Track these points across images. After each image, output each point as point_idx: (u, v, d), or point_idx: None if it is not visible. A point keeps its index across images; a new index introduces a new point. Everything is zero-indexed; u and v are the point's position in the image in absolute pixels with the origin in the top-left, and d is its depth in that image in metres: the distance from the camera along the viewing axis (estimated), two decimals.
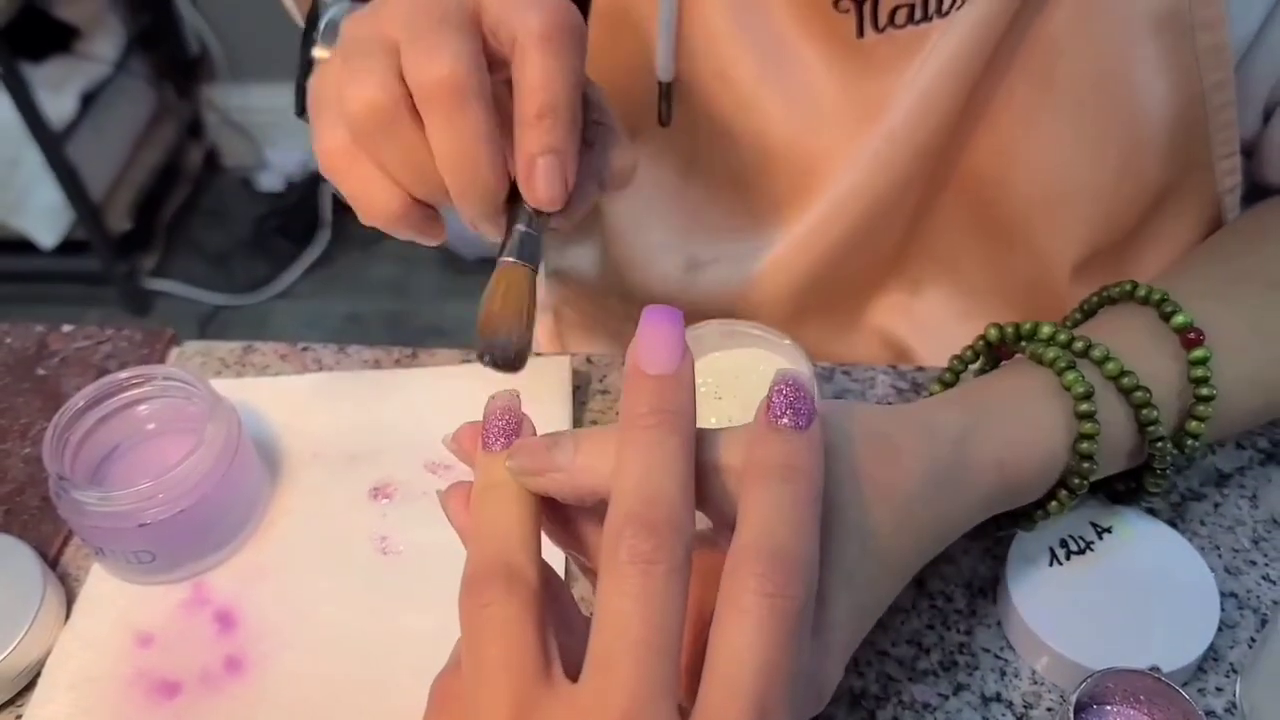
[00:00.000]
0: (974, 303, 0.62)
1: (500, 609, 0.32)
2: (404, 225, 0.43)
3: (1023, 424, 0.43)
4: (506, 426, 0.36)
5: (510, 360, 0.42)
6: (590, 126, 0.43)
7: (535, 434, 0.37)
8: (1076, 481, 0.44)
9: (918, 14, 0.52)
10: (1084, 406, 0.43)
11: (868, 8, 0.52)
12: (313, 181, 2.13)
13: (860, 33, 0.53)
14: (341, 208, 2.12)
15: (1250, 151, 0.58)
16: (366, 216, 0.43)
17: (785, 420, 0.34)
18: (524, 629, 0.32)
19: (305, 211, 2.10)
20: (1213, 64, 0.51)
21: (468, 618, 0.33)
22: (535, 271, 0.42)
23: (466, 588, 0.33)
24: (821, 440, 0.34)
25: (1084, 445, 0.43)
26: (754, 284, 0.61)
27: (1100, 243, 0.58)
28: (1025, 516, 0.47)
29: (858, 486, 0.37)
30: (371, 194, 0.42)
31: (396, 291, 2.01)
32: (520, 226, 0.41)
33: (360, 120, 0.40)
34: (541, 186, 0.40)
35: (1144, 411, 0.44)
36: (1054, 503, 0.45)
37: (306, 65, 0.47)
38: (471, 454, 0.37)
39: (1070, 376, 0.43)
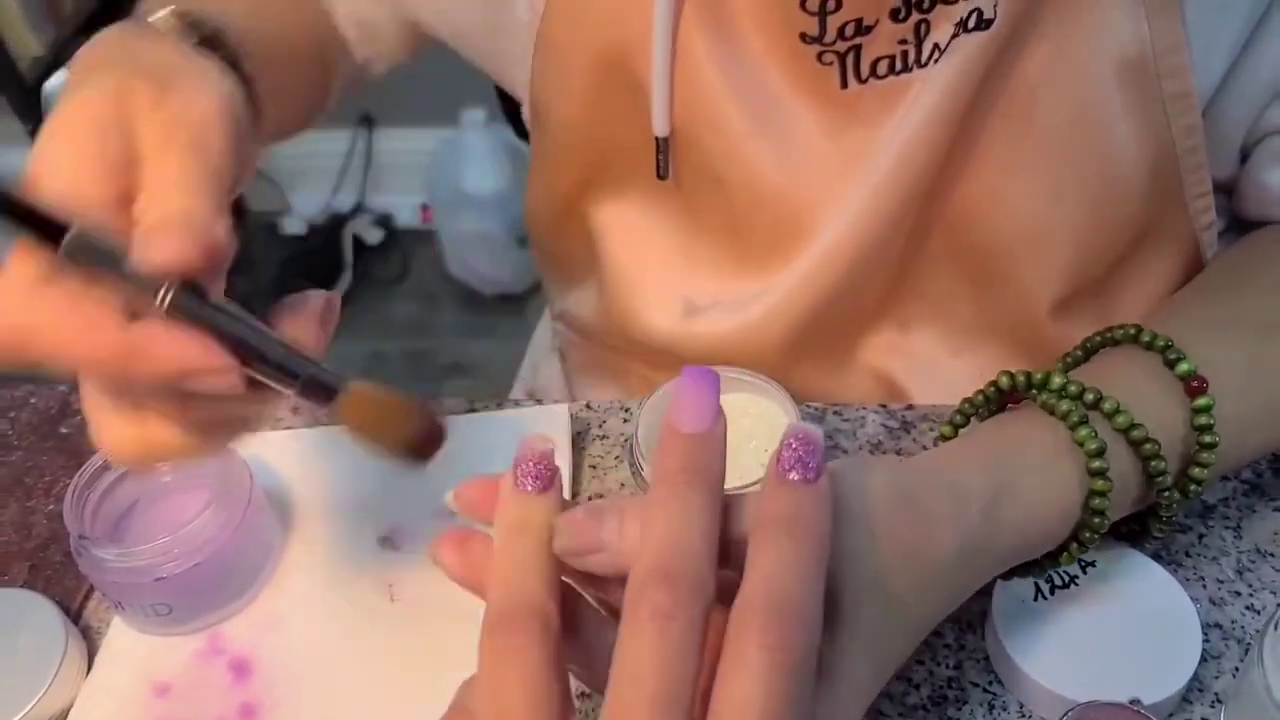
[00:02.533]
0: (963, 340, 0.64)
1: (527, 654, 0.33)
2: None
3: (1043, 485, 0.44)
4: (540, 469, 0.37)
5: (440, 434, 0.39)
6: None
7: (562, 486, 0.37)
8: (1087, 535, 0.45)
9: (898, 65, 0.54)
10: (1097, 464, 0.43)
11: (850, 60, 0.54)
12: (334, 224, 2.17)
13: (844, 84, 0.55)
14: (363, 250, 2.16)
15: (1231, 189, 0.60)
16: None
17: (794, 474, 0.34)
18: (549, 674, 0.33)
19: (328, 254, 2.14)
20: (1180, 109, 0.52)
21: (492, 659, 0.34)
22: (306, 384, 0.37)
23: (492, 629, 0.34)
24: (829, 494, 0.35)
25: (1097, 501, 0.44)
26: (750, 328, 0.62)
27: (1080, 281, 0.59)
28: (1035, 565, 0.47)
29: (882, 546, 0.38)
30: None
31: (418, 330, 2.04)
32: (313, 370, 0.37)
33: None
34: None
35: (1153, 463, 0.45)
36: (1065, 554, 0.46)
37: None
38: (480, 508, 0.38)
39: (1083, 433, 0.44)
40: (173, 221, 0.35)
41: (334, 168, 2.13)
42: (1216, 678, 0.48)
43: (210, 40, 0.46)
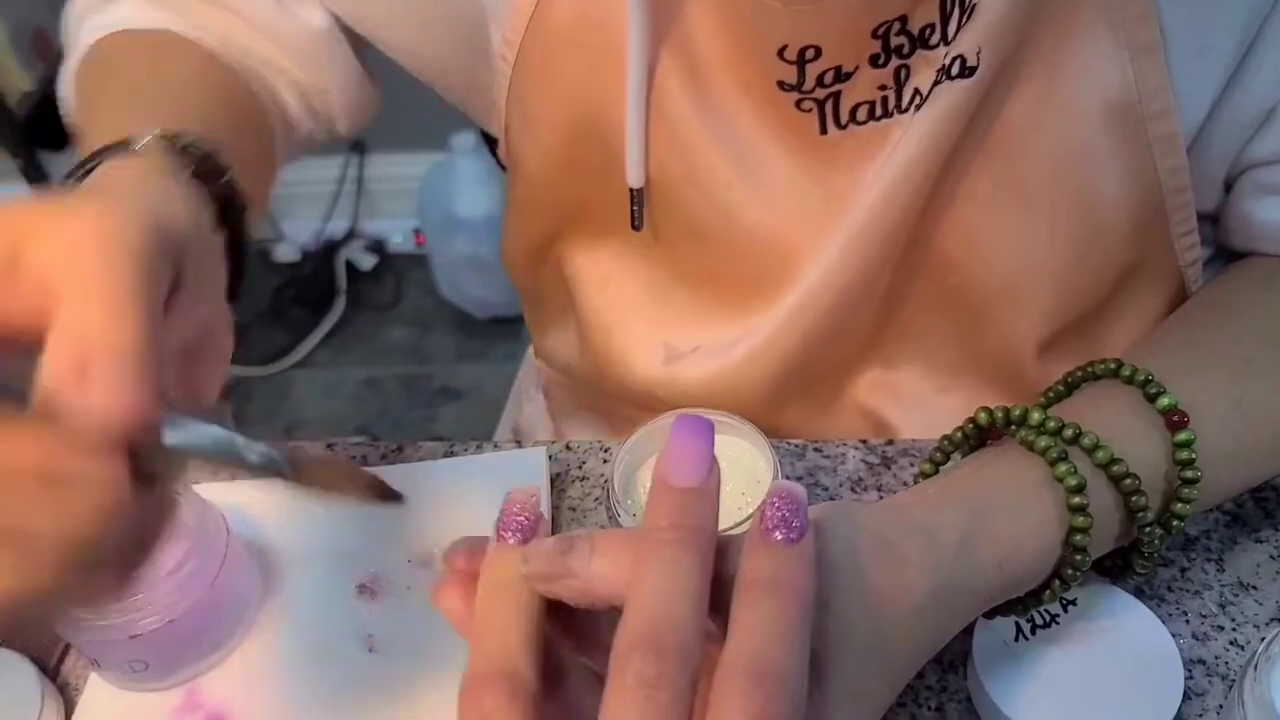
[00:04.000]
0: (950, 378, 0.63)
1: (501, 717, 0.33)
2: None
3: (1020, 521, 0.43)
4: (524, 523, 0.36)
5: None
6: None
7: (550, 534, 0.37)
8: (1069, 572, 0.44)
9: (878, 111, 0.53)
10: (1077, 500, 0.43)
11: (829, 106, 0.53)
12: (327, 250, 2.17)
13: (823, 130, 0.54)
14: (356, 275, 2.16)
15: (1216, 218, 0.59)
16: None
17: (777, 535, 0.34)
18: None
19: (321, 280, 2.14)
20: (1166, 150, 0.52)
21: None
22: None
23: (468, 690, 0.34)
24: (812, 554, 0.35)
25: (1077, 538, 0.43)
26: (733, 372, 0.62)
27: (1065, 320, 0.59)
28: (1019, 603, 0.46)
29: (864, 598, 0.38)
30: None
31: (412, 355, 2.04)
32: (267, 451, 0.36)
33: None
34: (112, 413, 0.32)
35: (1134, 499, 0.45)
36: (1047, 592, 0.46)
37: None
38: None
39: (1063, 469, 0.43)
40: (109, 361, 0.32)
41: (326, 194, 2.13)
42: (1200, 715, 0.48)
43: (205, 161, 0.45)
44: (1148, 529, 0.46)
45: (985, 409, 0.48)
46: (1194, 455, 0.45)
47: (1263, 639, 0.43)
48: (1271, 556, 0.53)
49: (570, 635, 0.37)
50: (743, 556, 0.34)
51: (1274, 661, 0.42)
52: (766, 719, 0.31)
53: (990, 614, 0.47)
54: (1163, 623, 0.49)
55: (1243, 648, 0.50)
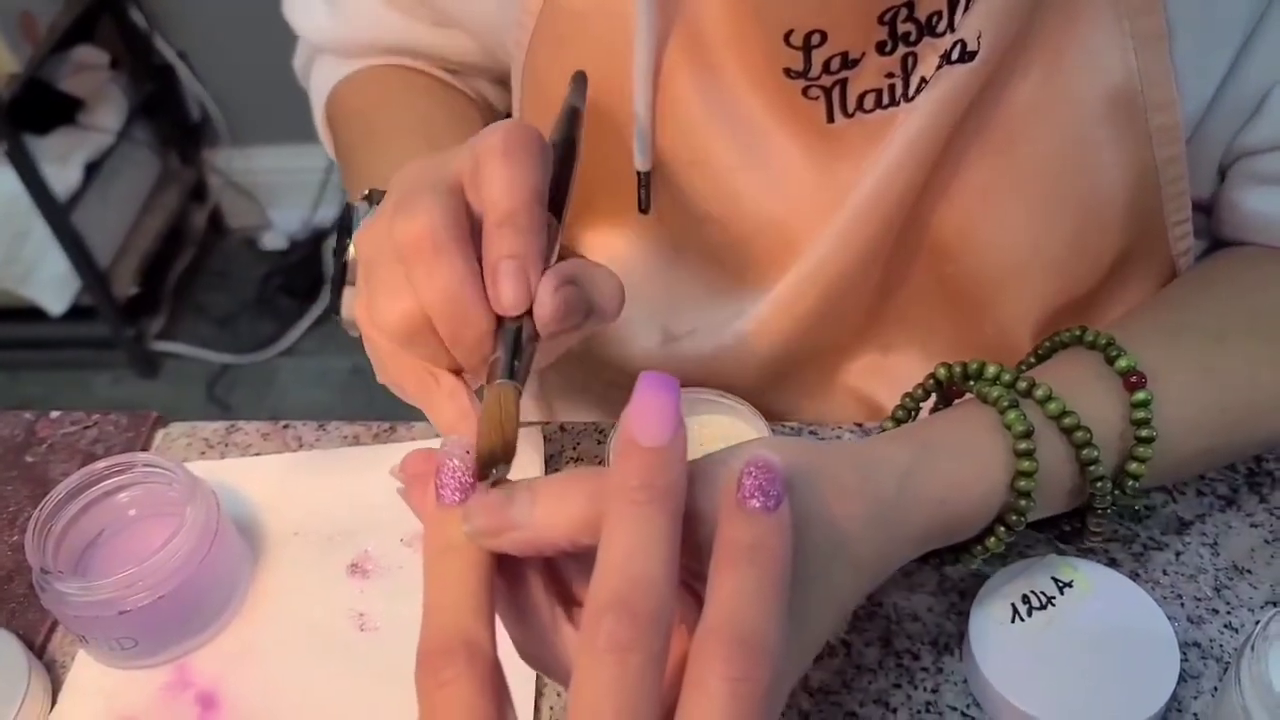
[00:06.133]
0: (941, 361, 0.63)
1: (459, 686, 0.32)
2: None
3: (963, 461, 0.44)
4: (461, 480, 0.36)
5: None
6: (568, 257, 0.43)
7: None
8: (1014, 518, 0.45)
9: (885, 99, 0.53)
10: (1023, 445, 0.44)
11: (836, 94, 0.53)
12: (314, 239, 2.16)
13: (830, 118, 0.54)
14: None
15: (1210, 209, 0.59)
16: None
17: (755, 502, 0.34)
18: (484, 705, 0.32)
19: (308, 268, 2.13)
20: (1165, 141, 0.52)
21: (426, 695, 0.33)
22: (519, 391, 0.40)
23: (423, 662, 0.33)
24: (790, 520, 0.34)
25: (1022, 483, 0.44)
26: (729, 354, 0.62)
27: (1059, 307, 0.59)
28: (965, 551, 0.47)
29: (805, 527, 0.37)
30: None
31: None
32: (502, 353, 0.40)
33: (395, 333, 0.41)
34: (504, 290, 0.39)
35: (1084, 451, 0.45)
36: (992, 539, 0.46)
37: (341, 268, 0.49)
38: (418, 497, 0.38)
39: (1011, 415, 0.44)
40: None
41: (314, 183, 2.12)
42: (1195, 698, 0.48)
43: None
44: (1099, 483, 0.46)
45: (945, 364, 0.50)
46: (1149, 415, 0.46)
47: (1257, 622, 0.43)
48: (1266, 540, 0.53)
49: (513, 593, 0.37)
50: (720, 521, 0.34)
51: (1272, 641, 0.42)
52: (748, 683, 0.31)
53: (943, 560, 0.47)
54: (1158, 605, 0.49)
55: (1237, 631, 0.50)
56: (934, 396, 0.52)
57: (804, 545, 0.36)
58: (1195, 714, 0.47)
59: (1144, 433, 0.46)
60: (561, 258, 0.42)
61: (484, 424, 0.38)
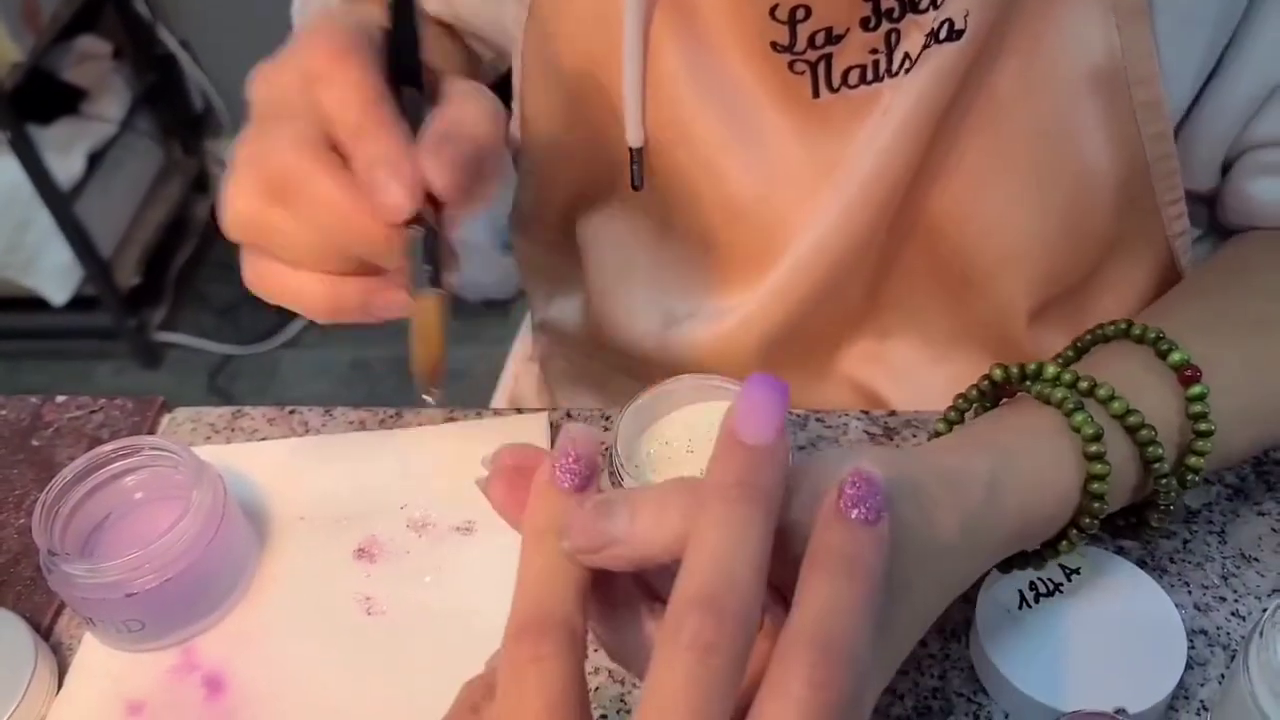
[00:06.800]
0: (942, 348, 0.63)
1: (554, 664, 0.31)
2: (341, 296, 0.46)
3: (1040, 467, 0.43)
4: (581, 467, 0.35)
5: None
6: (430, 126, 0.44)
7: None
8: (1087, 521, 0.44)
9: (869, 74, 0.53)
10: (1094, 448, 0.43)
11: (820, 69, 0.53)
12: None
13: (815, 93, 0.54)
14: None
15: (1211, 200, 0.60)
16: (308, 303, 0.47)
17: (856, 513, 0.33)
18: (570, 687, 0.32)
19: None
20: (1150, 117, 0.52)
21: (516, 667, 0.32)
22: (443, 298, 0.42)
23: (515, 637, 0.32)
24: (889, 538, 0.34)
25: (1095, 485, 0.43)
26: (727, 338, 0.62)
27: (1055, 288, 0.59)
28: (1036, 555, 0.47)
29: (900, 540, 0.36)
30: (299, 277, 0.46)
31: (401, 337, 2.03)
32: (412, 262, 0.42)
33: (277, 178, 0.42)
34: (382, 197, 0.41)
35: (1149, 449, 0.45)
36: (1064, 542, 0.46)
37: None
38: (515, 487, 0.36)
39: (1079, 418, 0.43)
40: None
41: None
42: (1202, 685, 0.48)
43: None
44: (1163, 480, 0.46)
45: (1000, 365, 0.48)
46: (1207, 409, 0.45)
47: (1264, 609, 0.43)
48: (1273, 529, 0.53)
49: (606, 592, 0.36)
50: (817, 528, 0.33)
51: None
52: (830, 690, 0.30)
53: (1006, 568, 0.47)
54: (1165, 593, 0.49)
55: (1244, 619, 0.50)
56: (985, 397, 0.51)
57: (898, 558, 0.35)
58: (1202, 701, 0.47)
59: (1202, 426, 0.46)
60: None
61: (417, 342, 0.39)
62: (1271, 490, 0.55)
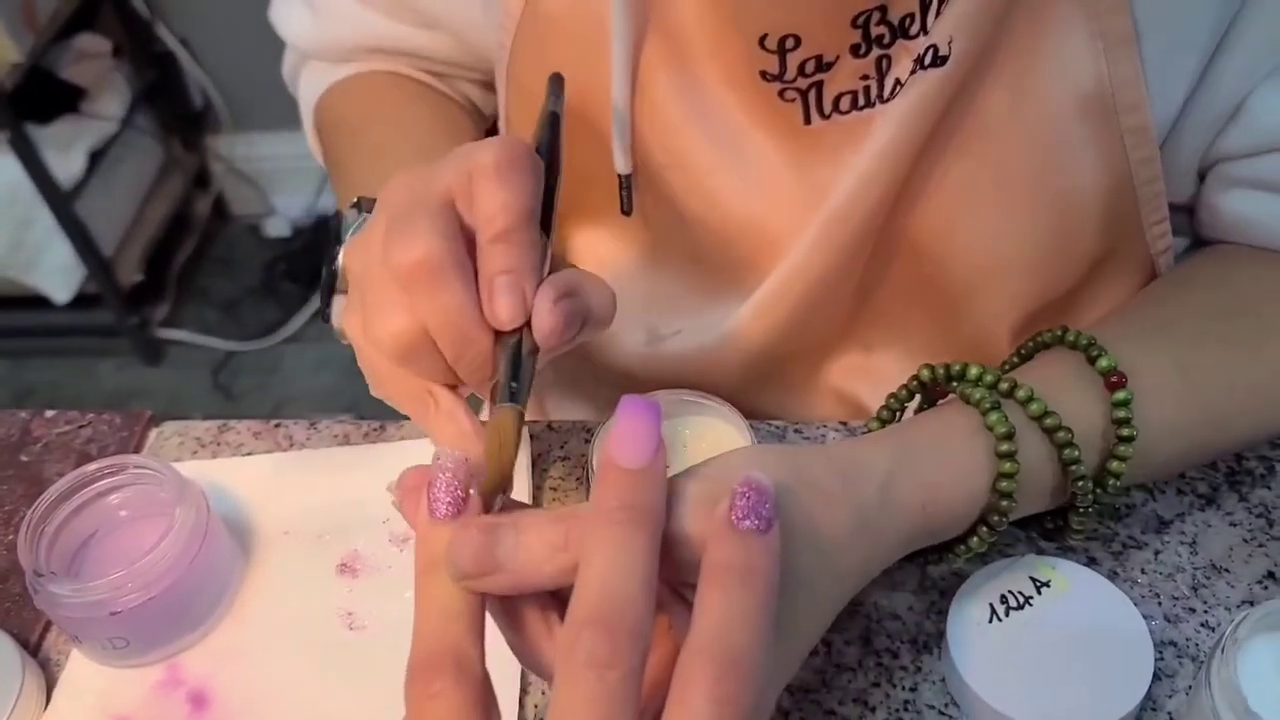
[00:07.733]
0: (925, 362, 0.64)
1: (448, 700, 0.33)
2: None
3: (945, 464, 0.45)
4: (455, 495, 0.36)
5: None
6: (562, 267, 0.44)
7: (479, 507, 0.37)
8: (996, 519, 0.46)
9: (861, 100, 0.53)
10: (1004, 446, 0.45)
11: (812, 97, 0.53)
12: (318, 225, 2.16)
13: (807, 120, 0.54)
14: None
15: (1191, 209, 0.60)
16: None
17: (747, 523, 0.34)
18: (471, 717, 0.33)
19: (312, 255, 2.14)
20: (1137, 142, 0.53)
21: (415, 707, 0.33)
22: (521, 413, 0.40)
23: (414, 674, 0.34)
24: (779, 543, 0.35)
25: (1003, 484, 0.45)
26: (713, 354, 0.63)
27: (1038, 307, 0.60)
28: (948, 550, 0.48)
29: (791, 536, 0.38)
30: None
31: None
32: (502, 373, 0.40)
33: (392, 352, 0.41)
34: (501, 305, 0.39)
35: (1066, 451, 0.46)
36: (974, 539, 0.47)
37: (331, 275, 0.49)
38: (412, 511, 0.37)
39: (993, 417, 0.45)
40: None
41: (317, 169, 2.10)
42: (1170, 696, 0.48)
43: None
44: (1081, 482, 0.47)
45: (928, 365, 0.50)
46: (1130, 415, 0.47)
47: (1232, 623, 0.43)
48: (1244, 539, 0.54)
49: (509, 615, 0.37)
50: (710, 542, 0.34)
51: (1240, 645, 0.42)
52: (733, 703, 0.31)
53: (926, 559, 0.48)
54: (1135, 604, 0.49)
55: (1214, 630, 0.51)
56: (918, 397, 0.52)
57: (789, 558, 0.36)
58: (1170, 713, 0.48)
59: (1125, 432, 0.47)
60: (555, 269, 0.43)
61: (489, 453, 0.38)
62: (1244, 500, 0.55)
